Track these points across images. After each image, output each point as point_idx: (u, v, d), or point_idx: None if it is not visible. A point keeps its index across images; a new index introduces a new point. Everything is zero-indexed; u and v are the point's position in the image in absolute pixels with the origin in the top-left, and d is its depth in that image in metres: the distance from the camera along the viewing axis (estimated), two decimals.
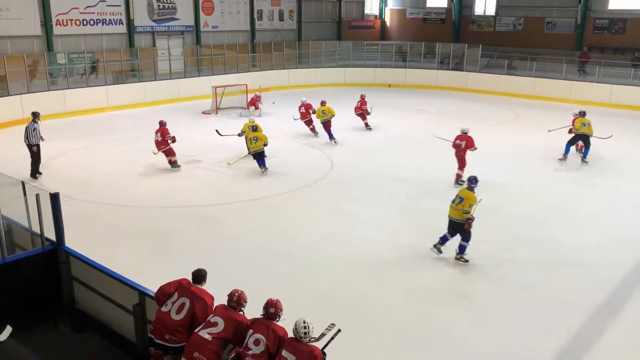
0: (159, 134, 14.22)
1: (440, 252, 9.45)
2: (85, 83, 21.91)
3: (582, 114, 15.71)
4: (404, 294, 8.41)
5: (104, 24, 24.81)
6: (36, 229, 7.03)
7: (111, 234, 10.37)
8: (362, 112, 18.94)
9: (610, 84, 24.63)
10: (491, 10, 36.13)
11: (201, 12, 28.46)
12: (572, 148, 15.67)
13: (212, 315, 5.35)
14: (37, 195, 6.80)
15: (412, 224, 11.09)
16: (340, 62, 31.42)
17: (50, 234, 7.00)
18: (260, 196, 12.49)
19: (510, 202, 12.40)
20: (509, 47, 31.71)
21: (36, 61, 21.80)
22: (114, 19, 25.10)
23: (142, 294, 6.07)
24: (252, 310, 5.41)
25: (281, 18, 33.13)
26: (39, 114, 13.75)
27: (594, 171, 14.91)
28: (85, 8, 24.02)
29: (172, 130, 14.39)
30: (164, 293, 5.61)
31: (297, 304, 5.90)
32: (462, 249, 9.31)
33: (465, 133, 13.34)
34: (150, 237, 10.27)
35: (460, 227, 9.23)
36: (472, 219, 9.04)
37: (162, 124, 14.36)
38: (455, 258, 9.35)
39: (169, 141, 14.15)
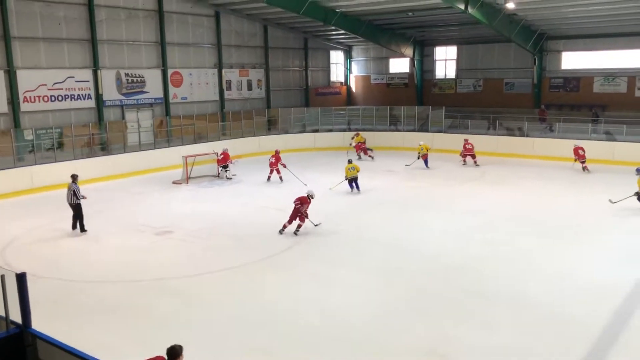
0: (273, 158, 21.51)
1: None
2: (53, 158, 21.72)
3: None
4: (384, 358, 8.24)
5: (73, 99, 24.92)
6: (0, 311, 6.75)
7: (81, 313, 10.01)
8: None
9: (571, 139, 25.54)
10: (451, 74, 37.61)
11: (170, 85, 28.89)
12: None
13: None
14: (2, 276, 6.56)
15: (388, 285, 11.02)
16: (309, 127, 32.02)
17: (16, 316, 6.72)
18: (234, 265, 12.30)
19: (480, 258, 12.48)
20: (471, 108, 32.90)
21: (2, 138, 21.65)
22: (82, 94, 25.25)
23: None
24: None
25: (250, 87, 33.83)
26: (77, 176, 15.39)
27: (559, 224, 15.18)
28: (54, 84, 24.17)
29: (141, 201, 14.30)
30: None
31: None
32: None
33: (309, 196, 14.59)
34: (122, 314, 9.94)
35: None
36: None
37: (277, 152, 21.88)
38: None
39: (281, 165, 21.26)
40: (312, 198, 14.58)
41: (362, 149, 26.91)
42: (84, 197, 14.83)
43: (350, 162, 19.87)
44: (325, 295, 10.61)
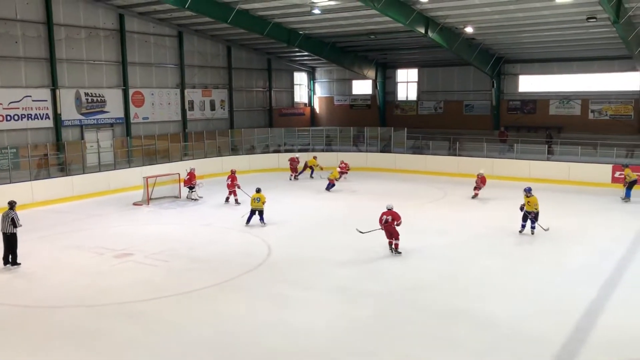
0: (229, 179, 20.80)
1: None
2: (8, 179, 21.06)
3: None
4: None
5: (30, 118, 24.34)
6: None
7: (38, 339, 9.63)
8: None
9: (529, 160, 26.32)
10: (413, 96, 38.28)
11: (131, 105, 28.52)
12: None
13: None
14: None
15: (352, 306, 11.00)
16: (272, 147, 32.01)
17: None
18: (195, 288, 12.08)
19: (444, 278, 12.61)
20: (432, 129, 33.47)
21: None
22: (40, 114, 24.68)
23: None
24: None
25: (212, 108, 33.67)
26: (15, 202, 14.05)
27: (523, 244, 15.51)
28: (9, 104, 23.57)
29: (101, 223, 13.97)
30: None
31: None
32: None
33: (390, 209, 14.46)
34: (80, 339, 9.61)
35: None
36: None
37: (233, 172, 21.36)
38: None
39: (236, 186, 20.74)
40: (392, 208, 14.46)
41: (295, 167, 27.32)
42: (20, 225, 13.63)
43: (258, 190, 17.63)
44: (288, 318, 10.50)
